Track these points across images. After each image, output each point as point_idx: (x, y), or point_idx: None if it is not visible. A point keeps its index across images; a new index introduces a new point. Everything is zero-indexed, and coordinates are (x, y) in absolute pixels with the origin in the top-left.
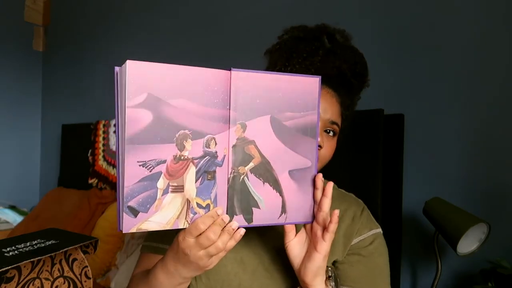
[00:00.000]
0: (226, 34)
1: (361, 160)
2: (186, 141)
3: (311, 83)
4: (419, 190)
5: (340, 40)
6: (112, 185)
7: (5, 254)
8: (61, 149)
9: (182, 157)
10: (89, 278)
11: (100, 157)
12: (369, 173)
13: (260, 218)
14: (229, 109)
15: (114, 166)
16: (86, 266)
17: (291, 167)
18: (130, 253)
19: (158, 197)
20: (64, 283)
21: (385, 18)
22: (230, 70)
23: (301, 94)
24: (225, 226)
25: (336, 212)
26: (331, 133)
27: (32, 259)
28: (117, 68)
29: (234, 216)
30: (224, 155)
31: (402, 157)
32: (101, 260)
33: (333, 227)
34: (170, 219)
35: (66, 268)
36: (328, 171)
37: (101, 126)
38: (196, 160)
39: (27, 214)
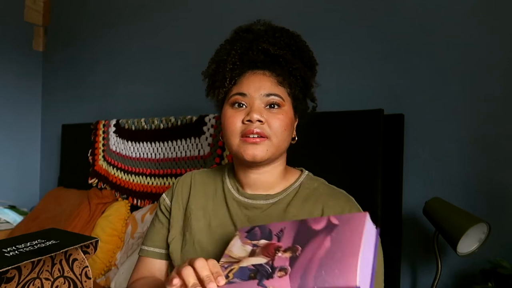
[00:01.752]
0: (227, 34)
1: (361, 160)
2: None
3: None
4: (419, 190)
5: (261, 28)
6: (112, 185)
7: (5, 254)
8: (61, 149)
9: None
10: (89, 278)
11: (100, 157)
12: (369, 173)
13: None
14: None
15: (114, 166)
16: (87, 266)
17: None
18: (130, 253)
19: None
20: (64, 283)
21: (385, 18)
22: None
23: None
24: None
25: None
26: (275, 107)
27: (32, 259)
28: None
29: None
30: None
31: (402, 157)
32: (101, 260)
33: None
34: None
35: (66, 268)
36: (328, 170)
37: (101, 126)
38: None
39: (27, 214)
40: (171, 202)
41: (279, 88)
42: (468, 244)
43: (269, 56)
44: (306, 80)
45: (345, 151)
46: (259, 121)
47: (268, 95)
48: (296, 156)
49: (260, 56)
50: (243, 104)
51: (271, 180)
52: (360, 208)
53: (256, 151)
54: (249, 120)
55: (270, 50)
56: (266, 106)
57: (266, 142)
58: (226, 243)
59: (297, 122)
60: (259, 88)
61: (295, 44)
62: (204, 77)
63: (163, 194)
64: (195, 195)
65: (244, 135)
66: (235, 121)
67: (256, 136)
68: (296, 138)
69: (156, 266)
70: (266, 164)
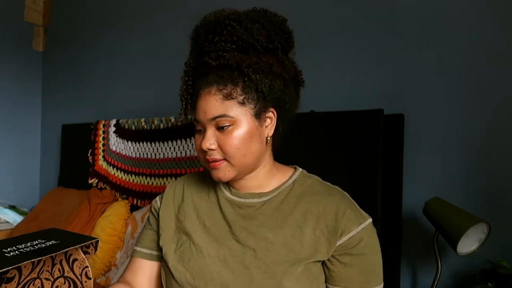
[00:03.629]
0: None
1: (361, 160)
2: None
3: None
4: (419, 190)
5: (209, 26)
6: (112, 185)
7: (5, 254)
8: (61, 149)
9: None
10: (89, 278)
11: (100, 157)
12: (369, 173)
13: None
14: None
15: (114, 166)
16: (87, 266)
17: None
18: (130, 253)
19: None
20: (65, 283)
21: (386, 18)
22: None
23: None
24: None
25: None
26: (227, 127)
27: (32, 260)
28: None
29: None
30: None
31: (402, 157)
32: (101, 260)
33: None
34: None
35: (66, 268)
36: (328, 170)
37: (101, 126)
38: None
39: (27, 214)
40: (160, 205)
41: (225, 105)
42: (468, 244)
43: (213, 68)
44: (268, 68)
45: (345, 151)
46: (210, 149)
47: (214, 118)
48: (295, 156)
49: (206, 70)
50: (200, 130)
51: (259, 182)
52: (356, 204)
53: (219, 174)
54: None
55: (210, 63)
56: (218, 127)
57: (223, 164)
58: (221, 241)
59: (275, 116)
60: (205, 112)
61: (240, 37)
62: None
63: (157, 197)
64: (189, 197)
65: (206, 161)
66: (197, 147)
67: (213, 161)
68: (270, 138)
69: (145, 266)
70: (243, 175)
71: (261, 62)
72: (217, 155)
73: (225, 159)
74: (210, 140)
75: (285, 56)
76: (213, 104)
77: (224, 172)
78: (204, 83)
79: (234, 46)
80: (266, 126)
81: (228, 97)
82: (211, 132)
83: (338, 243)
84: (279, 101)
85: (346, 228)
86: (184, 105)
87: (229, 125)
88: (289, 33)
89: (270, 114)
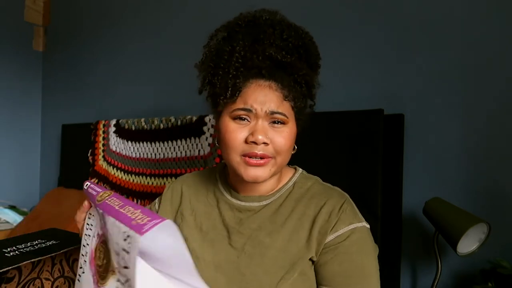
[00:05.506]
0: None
1: (361, 160)
2: None
3: None
4: (419, 190)
5: (267, 21)
6: (112, 185)
7: (5, 254)
8: (61, 149)
9: None
10: None
11: (100, 157)
12: (369, 173)
13: None
14: None
15: (114, 166)
16: None
17: None
18: None
19: None
20: (65, 283)
21: (386, 18)
22: None
23: None
24: None
25: None
26: (278, 124)
27: (32, 260)
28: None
29: None
30: None
31: (402, 157)
32: None
33: None
34: None
35: (66, 268)
36: (329, 170)
37: (101, 126)
38: None
39: (27, 214)
40: (158, 208)
41: (284, 105)
42: (468, 244)
43: (275, 62)
44: (310, 84)
45: (345, 151)
46: (264, 143)
47: (274, 113)
48: (296, 156)
49: (265, 62)
50: (245, 119)
51: (267, 186)
52: (354, 206)
53: (259, 172)
54: (253, 141)
55: (278, 57)
56: (270, 122)
57: (270, 162)
58: (217, 246)
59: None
60: (265, 104)
61: (304, 46)
62: (198, 71)
63: (156, 198)
64: (186, 199)
65: (247, 155)
66: (237, 137)
67: (259, 158)
68: (296, 148)
69: None
70: (273, 175)
71: (312, 75)
72: (269, 150)
73: (273, 157)
74: (266, 133)
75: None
76: (274, 99)
77: (266, 170)
78: (258, 75)
79: (296, 52)
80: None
81: (286, 97)
82: (265, 125)
83: (326, 241)
84: (302, 112)
85: (335, 227)
86: (230, 92)
87: (283, 123)
88: (320, 59)
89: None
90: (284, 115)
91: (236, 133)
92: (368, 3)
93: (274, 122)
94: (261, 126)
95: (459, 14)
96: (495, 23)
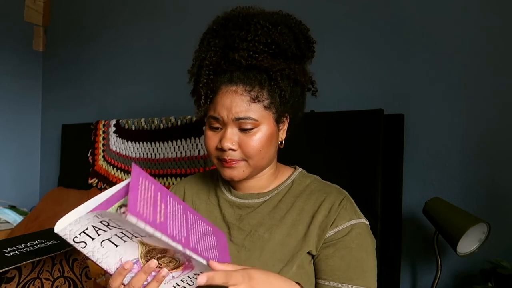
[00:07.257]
0: None
1: (361, 160)
2: None
3: None
4: (419, 190)
5: (239, 21)
6: (112, 185)
7: (6, 254)
8: (61, 149)
9: None
10: (89, 278)
11: (100, 157)
12: (369, 173)
13: None
14: None
15: (114, 166)
16: (87, 267)
17: None
18: None
19: None
20: (65, 283)
21: (386, 18)
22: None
23: None
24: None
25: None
26: (247, 130)
27: (32, 260)
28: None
29: None
30: None
31: (402, 157)
32: None
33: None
34: None
35: (66, 268)
36: (329, 170)
37: (101, 126)
38: None
39: (27, 214)
40: None
41: (252, 107)
42: (468, 244)
43: (243, 66)
44: (292, 76)
45: (345, 151)
46: (231, 149)
47: (239, 119)
48: (296, 156)
49: (232, 67)
50: (218, 127)
51: (262, 183)
52: (353, 203)
53: (233, 173)
54: (220, 148)
55: (242, 62)
56: (239, 128)
57: (241, 164)
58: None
59: (287, 121)
60: (230, 110)
61: (273, 42)
62: (189, 77)
63: None
64: (189, 199)
65: (221, 159)
66: (211, 144)
67: (230, 161)
68: (283, 142)
69: None
70: (254, 176)
71: (288, 69)
72: (236, 155)
73: (243, 159)
74: (232, 140)
75: (306, 65)
76: (239, 104)
77: (239, 171)
78: (228, 80)
79: (266, 49)
80: (280, 130)
81: (255, 99)
82: (233, 132)
83: (326, 236)
84: (294, 108)
85: (335, 222)
86: (203, 100)
87: (252, 128)
88: (313, 43)
89: (284, 119)
90: (251, 118)
91: (210, 140)
92: (368, 3)
93: (245, 129)
94: (229, 133)
95: (459, 14)
96: (495, 23)
